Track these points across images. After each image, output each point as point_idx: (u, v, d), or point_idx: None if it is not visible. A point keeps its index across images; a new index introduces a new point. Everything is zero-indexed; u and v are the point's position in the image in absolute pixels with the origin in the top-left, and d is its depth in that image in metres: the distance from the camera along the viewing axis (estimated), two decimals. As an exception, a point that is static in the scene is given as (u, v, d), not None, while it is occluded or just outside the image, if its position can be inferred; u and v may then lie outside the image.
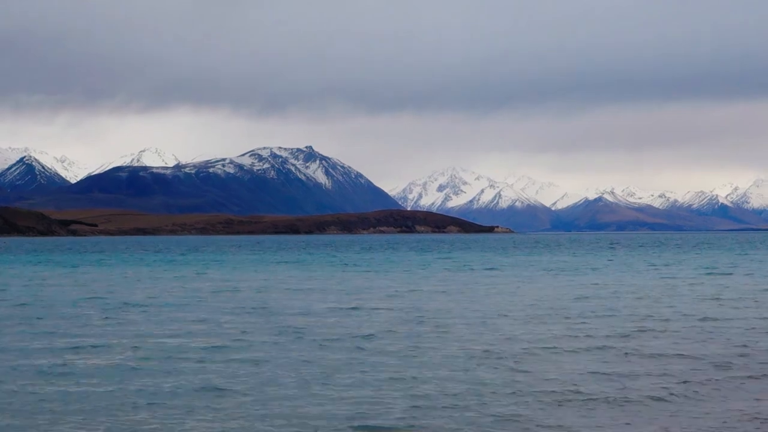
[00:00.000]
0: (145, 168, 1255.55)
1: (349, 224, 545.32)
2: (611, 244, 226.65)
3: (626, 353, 28.95)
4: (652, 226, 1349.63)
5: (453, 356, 28.62)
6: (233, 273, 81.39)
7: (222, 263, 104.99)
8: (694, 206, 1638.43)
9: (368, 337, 33.26)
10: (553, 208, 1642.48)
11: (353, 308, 44.50)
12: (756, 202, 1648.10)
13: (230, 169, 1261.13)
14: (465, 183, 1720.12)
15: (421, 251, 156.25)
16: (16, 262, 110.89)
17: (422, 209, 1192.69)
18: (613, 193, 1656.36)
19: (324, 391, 23.23)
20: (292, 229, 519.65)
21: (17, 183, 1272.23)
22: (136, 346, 30.77)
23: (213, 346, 30.65)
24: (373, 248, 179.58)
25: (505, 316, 40.60)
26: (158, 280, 69.73)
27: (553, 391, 23.02)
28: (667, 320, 38.70)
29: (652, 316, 40.68)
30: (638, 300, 49.22)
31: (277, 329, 35.60)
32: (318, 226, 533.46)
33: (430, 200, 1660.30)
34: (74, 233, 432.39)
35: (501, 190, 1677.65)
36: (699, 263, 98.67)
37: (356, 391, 23.28)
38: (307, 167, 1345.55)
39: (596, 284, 62.73)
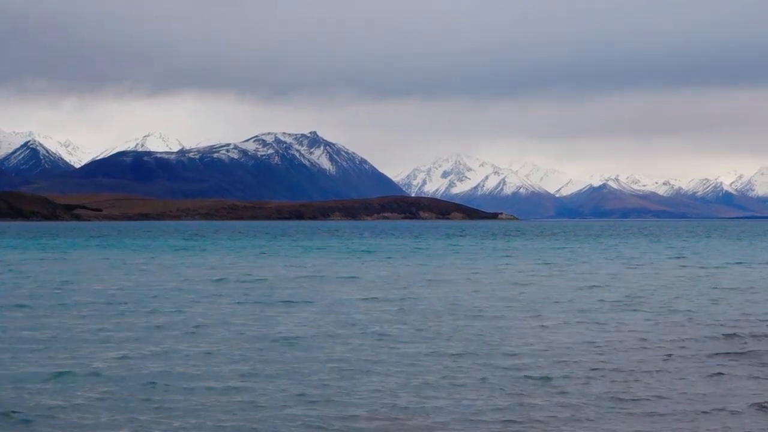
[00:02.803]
0: (149, 153, 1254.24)
1: (354, 210, 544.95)
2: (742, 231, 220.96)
3: None
4: (657, 213, 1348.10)
5: None
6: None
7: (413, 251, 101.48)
8: (699, 194, 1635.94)
9: None
10: (557, 195, 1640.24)
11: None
12: (761, 189, 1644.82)
13: (234, 155, 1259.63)
14: (469, 169, 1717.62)
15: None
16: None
17: (426, 195, 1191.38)
18: (617, 180, 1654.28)
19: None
20: (297, 215, 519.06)
21: (21, 167, 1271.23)
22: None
23: None
24: (466, 234, 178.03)
25: None
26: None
27: None
28: None
29: None
30: None
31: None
32: (322, 212, 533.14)
33: (434, 186, 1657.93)
34: (78, 218, 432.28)
35: (505, 176, 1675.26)
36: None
37: None
38: (311, 153, 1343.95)
39: None
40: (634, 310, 39.29)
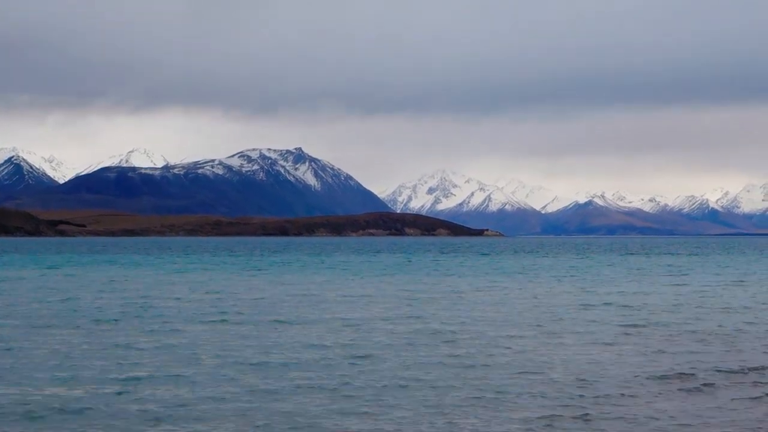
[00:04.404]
0: (133, 168, 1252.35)
1: (339, 226, 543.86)
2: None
3: None
4: (642, 230, 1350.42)
5: None
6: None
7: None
8: (685, 210, 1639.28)
9: None
10: (543, 212, 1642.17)
11: None
12: (746, 206, 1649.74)
13: (219, 171, 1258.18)
14: (455, 186, 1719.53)
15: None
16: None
17: (412, 212, 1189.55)
18: (603, 197, 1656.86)
19: None
20: (282, 230, 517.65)
21: (5, 183, 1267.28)
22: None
23: None
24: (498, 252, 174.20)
25: None
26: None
27: None
28: None
29: None
30: None
31: None
32: (307, 228, 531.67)
33: (419, 203, 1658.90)
34: (62, 234, 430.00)
35: (491, 193, 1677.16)
36: None
37: None
38: (296, 169, 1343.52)
39: None
40: None
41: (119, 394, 23.70)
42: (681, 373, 27.06)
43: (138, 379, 25.83)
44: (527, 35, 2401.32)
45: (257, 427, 20.46)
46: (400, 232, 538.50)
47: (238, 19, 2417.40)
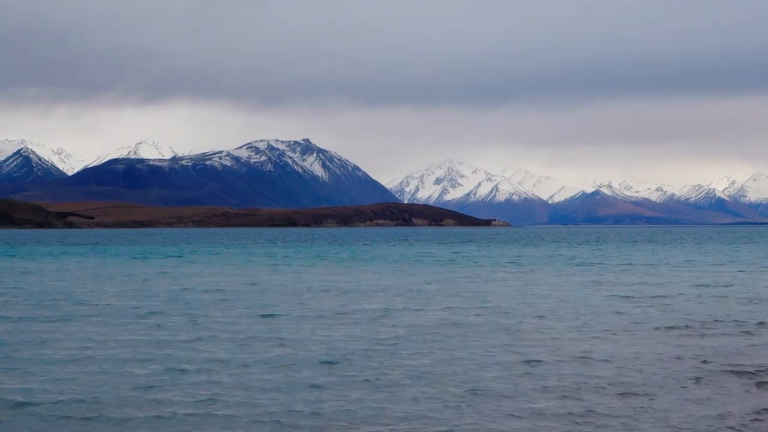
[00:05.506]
0: (141, 160, 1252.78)
1: (346, 217, 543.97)
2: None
3: None
4: (650, 220, 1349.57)
5: None
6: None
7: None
8: (692, 200, 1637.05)
9: None
10: (550, 202, 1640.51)
11: None
12: (753, 196, 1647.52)
13: (227, 162, 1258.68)
14: (462, 176, 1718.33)
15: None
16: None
17: (419, 202, 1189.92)
18: (610, 186, 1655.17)
19: None
20: (290, 221, 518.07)
21: (14, 175, 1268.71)
22: None
23: None
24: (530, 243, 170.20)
25: None
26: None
27: None
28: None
29: None
30: None
31: None
32: (315, 219, 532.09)
33: (427, 193, 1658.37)
34: (71, 225, 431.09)
35: (498, 183, 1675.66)
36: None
37: None
38: (304, 160, 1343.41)
39: None
40: None
41: (144, 389, 23.02)
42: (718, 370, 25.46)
43: (157, 373, 25.11)
44: (534, 26, 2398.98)
45: (271, 423, 20.04)
46: (407, 223, 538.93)
47: (245, 11, 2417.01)
